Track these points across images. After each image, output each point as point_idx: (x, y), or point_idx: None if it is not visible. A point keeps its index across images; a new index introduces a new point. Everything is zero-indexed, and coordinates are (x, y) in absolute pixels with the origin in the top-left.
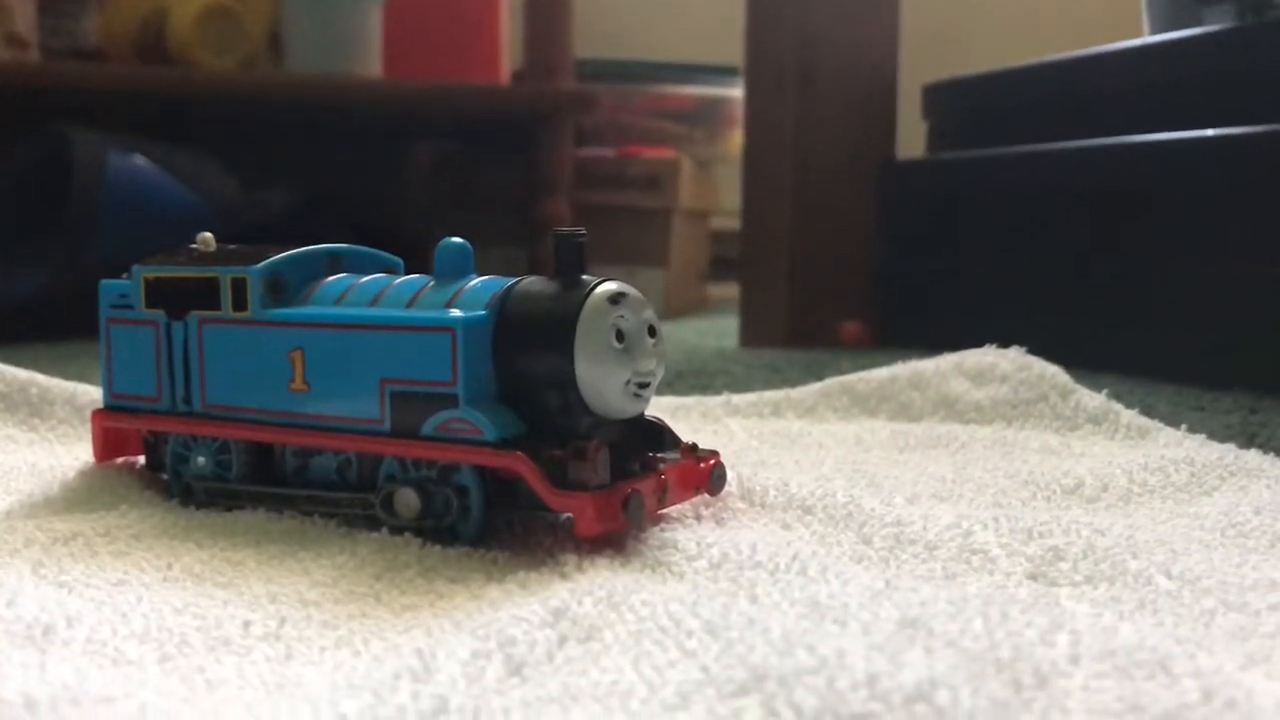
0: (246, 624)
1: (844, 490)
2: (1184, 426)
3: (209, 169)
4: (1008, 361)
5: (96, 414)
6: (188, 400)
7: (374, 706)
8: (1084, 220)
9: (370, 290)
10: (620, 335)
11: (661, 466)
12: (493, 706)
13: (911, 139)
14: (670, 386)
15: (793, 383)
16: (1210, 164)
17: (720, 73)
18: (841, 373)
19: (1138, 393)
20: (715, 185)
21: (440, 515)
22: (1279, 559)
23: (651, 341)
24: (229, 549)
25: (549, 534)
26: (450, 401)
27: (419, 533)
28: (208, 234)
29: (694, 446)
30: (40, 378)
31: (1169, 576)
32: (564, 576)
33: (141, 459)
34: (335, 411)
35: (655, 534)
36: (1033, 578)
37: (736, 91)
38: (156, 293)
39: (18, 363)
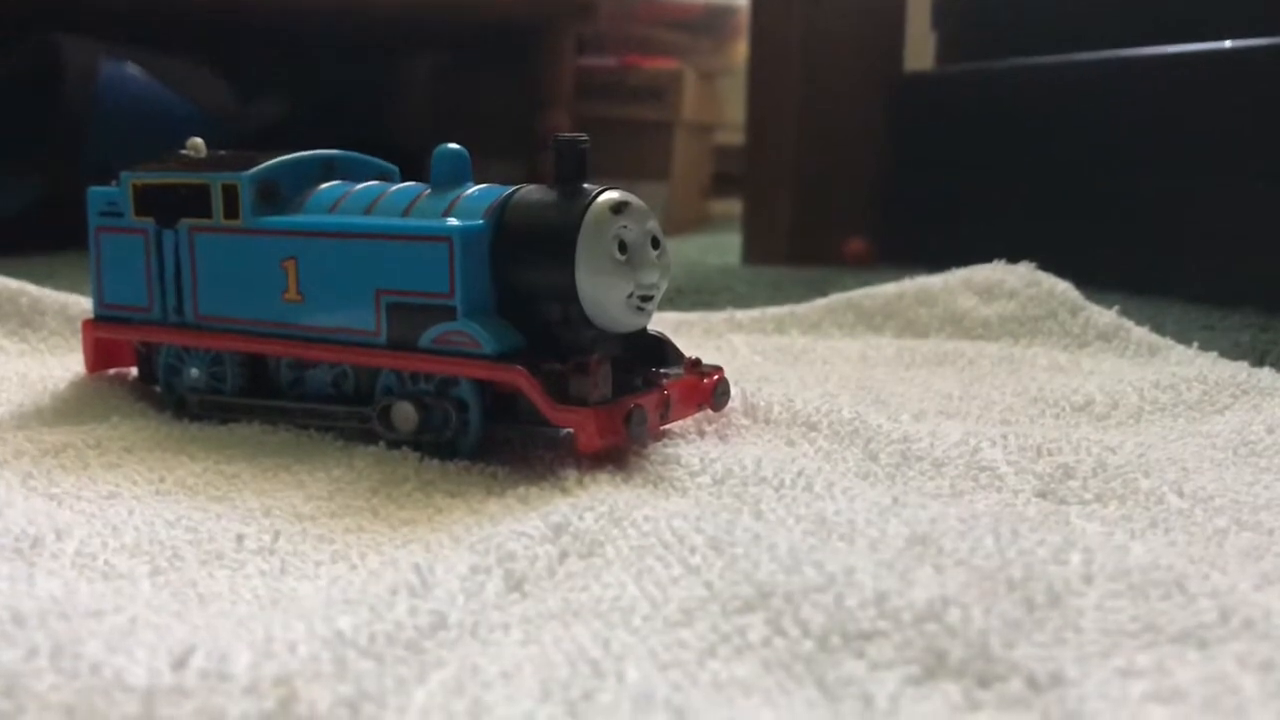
0: (240, 538)
1: (849, 407)
2: (1195, 345)
3: (203, 78)
4: (1017, 277)
5: (87, 324)
6: (180, 311)
7: (371, 621)
8: (1094, 134)
9: (365, 198)
10: (623, 246)
11: (664, 382)
12: (492, 622)
13: (920, 51)
14: (672, 302)
15: (796, 299)
16: (1225, 78)
17: None
18: (846, 289)
19: (1146, 310)
20: (719, 98)
21: (439, 429)
22: None
23: (655, 253)
24: (223, 462)
25: (549, 449)
26: (448, 313)
27: (417, 447)
28: (198, 140)
29: (697, 362)
30: (31, 288)
31: (1181, 495)
32: (565, 492)
33: (134, 370)
34: (330, 323)
35: (658, 449)
36: (1042, 496)
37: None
38: (146, 200)
39: (9, 274)
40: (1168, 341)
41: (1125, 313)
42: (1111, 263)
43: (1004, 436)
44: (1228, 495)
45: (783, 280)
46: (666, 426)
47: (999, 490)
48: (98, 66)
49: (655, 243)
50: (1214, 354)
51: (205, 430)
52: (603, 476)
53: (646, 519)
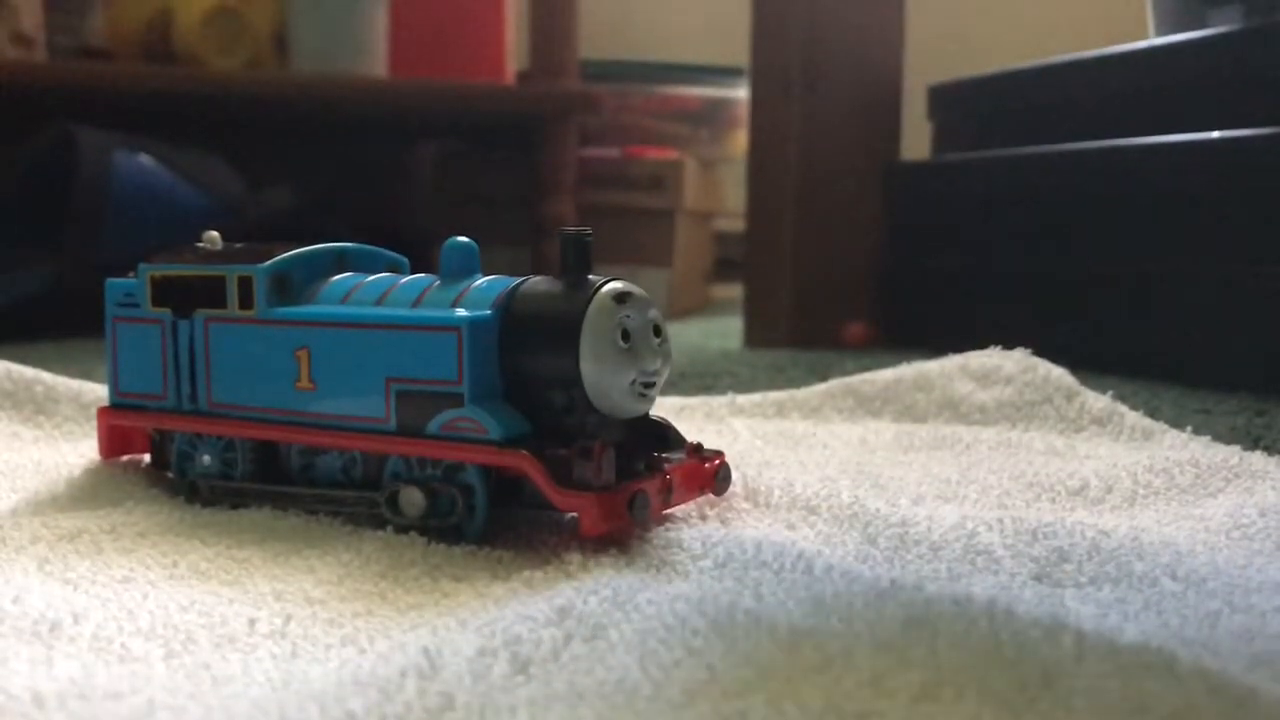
0: (252, 621)
1: (849, 491)
2: (1189, 429)
3: (214, 168)
4: (1013, 363)
5: (102, 411)
6: (193, 398)
7: (380, 704)
8: (1088, 222)
9: (376, 289)
10: (625, 334)
11: (666, 466)
12: (499, 704)
13: (916, 140)
14: (674, 387)
15: (797, 383)
16: (1216, 166)
17: (725, 73)
18: (846, 374)
19: (1142, 395)
20: (719, 186)
21: (445, 514)
22: None
23: (657, 341)
24: (234, 547)
25: (554, 533)
26: (456, 400)
27: (424, 531)
28: (214, 232)
29: (699, 446)
30: (46, 375)
31: (1174, 578)
32: (569, 575)
33: (147, 457)
34: (341, 410)
35: (660, 533)
36: (1038, 579)
37: (741, 92)
38: (163, 291)
39: (24, 360)
40: (1161, 426)
41: (1120, 397)
42: (1106, 347)
43: (1000, 520)
44: (1221, 578)
45: (783, 364)
46: (669, 510)
47: (995, 573)
48: (112, 157)
49: (657, 331)
50: (1207, 438)
51: (217, 516)
52: (606, 560)
53: (649, 602)
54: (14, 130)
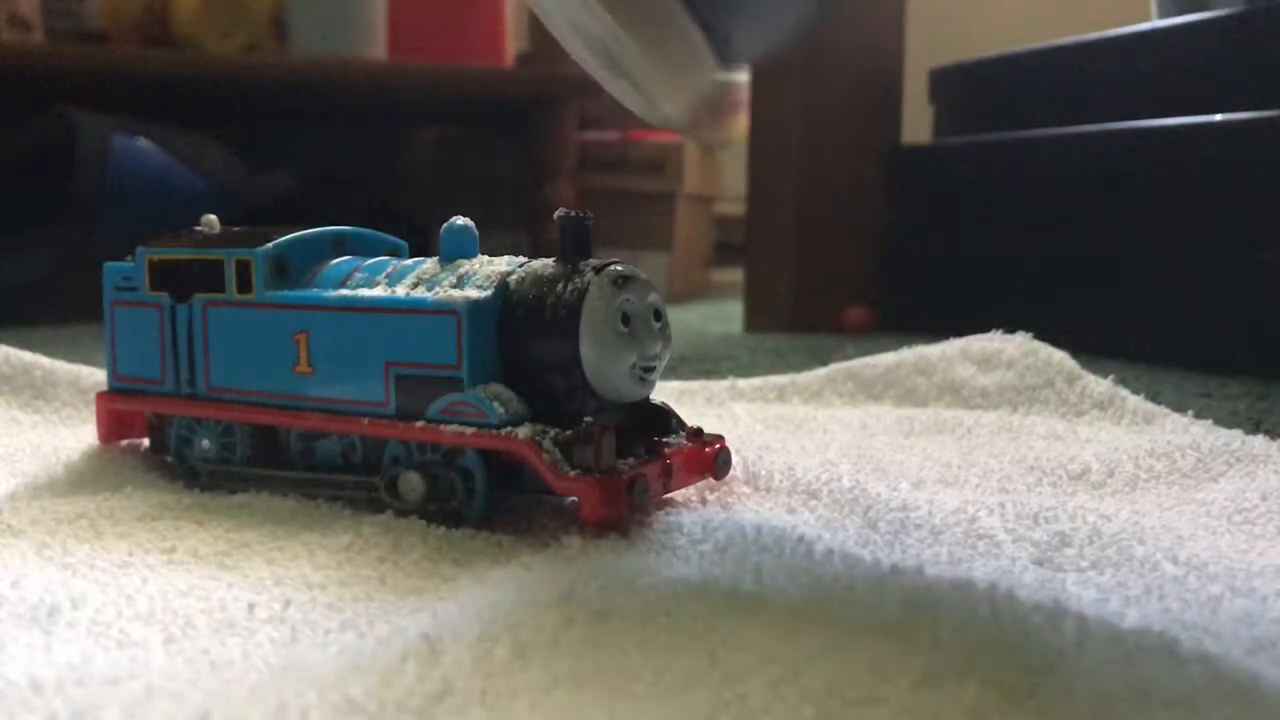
0: (251, 606)
1: (849, 475)
2: (1190, 412)
3: (212, 152)
4: (1014, 347)
5: (101, 396)
6: (192, 383)
7: (380, 689)
8: (1090, 205)
9: (375, 272)
10: (626, 318)
11: (667, 450)
12: (499, 689)
13: (917, 124)
14: (675, 371)
15: (798, 368)
16: (1219, 149)
17: None
18: (847, 358)
19: (1144, 379)
20: (720, 170)
21: (445, 498)
22: None
23: (657, 325)
24: (233, 531)
25: (554, 517)
26: (455, 384)
27: (424, 516)
28: (212, 216)
29: (699, 431)
30: (45, 360)
31: (1175, 562)
32: (569, 560)
33: (145, 441)
34: (340, 394)
35: (660, 518)
36: (1038, 563)
37: (742, 76)
38: (161, 275)
39: (22, 345)
40: (1163, 409)
41: (1122, 381)
42: (1108, 331)
43: (1001, 504)
44: (1222, 562)
45: (784, 349)
46: (669, 495)
47: (996, 558)
48: (110, 141)
49: (657, 315)
50: (1208, 422)
51: (216, 500)
52: (606, 544)
53: (650, 586)
54: (12, 114)
